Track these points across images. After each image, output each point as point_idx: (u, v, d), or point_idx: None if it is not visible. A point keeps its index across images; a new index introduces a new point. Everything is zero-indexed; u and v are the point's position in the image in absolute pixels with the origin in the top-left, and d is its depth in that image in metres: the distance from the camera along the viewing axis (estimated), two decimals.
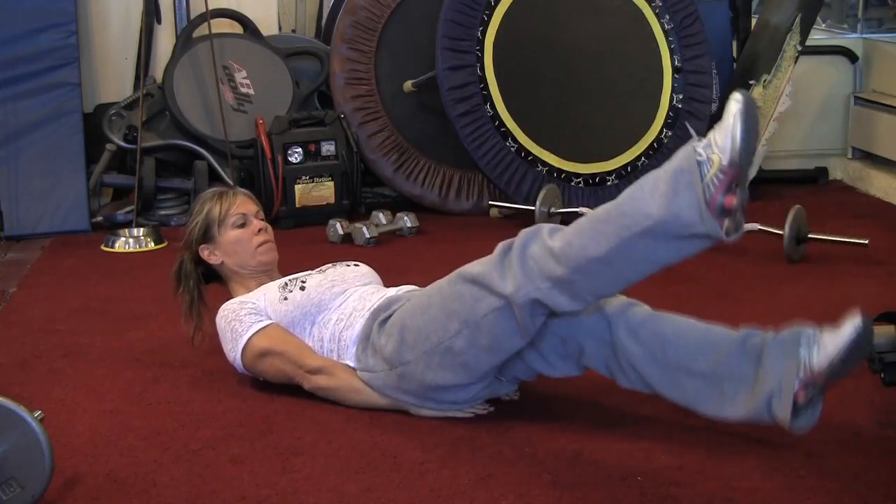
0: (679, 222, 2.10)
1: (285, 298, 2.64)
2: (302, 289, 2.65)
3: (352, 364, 2.56)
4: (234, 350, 2.65)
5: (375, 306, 2.58)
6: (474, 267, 2.38)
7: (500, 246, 2.35)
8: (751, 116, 2.09)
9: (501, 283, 2.29)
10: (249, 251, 2.79)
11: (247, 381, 2.74)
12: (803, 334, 2.22)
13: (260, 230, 2.81)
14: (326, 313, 2.63)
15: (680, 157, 2.13)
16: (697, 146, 2.11)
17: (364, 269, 2.78)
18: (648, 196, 2.13)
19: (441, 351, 2.39)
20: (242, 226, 2.80)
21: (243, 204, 2.84)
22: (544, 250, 2.25)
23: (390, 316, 2.52)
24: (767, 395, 2.24)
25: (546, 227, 2.30)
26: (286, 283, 2.69)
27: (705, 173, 2.09)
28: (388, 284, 2.76)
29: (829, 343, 2.18)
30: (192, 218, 2.85)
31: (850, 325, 2.16)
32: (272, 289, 2.70)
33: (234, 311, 2.67)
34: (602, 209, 2.22)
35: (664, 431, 2.41)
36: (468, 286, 2.36)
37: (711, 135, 2.11)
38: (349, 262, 2.80)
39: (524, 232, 2.32)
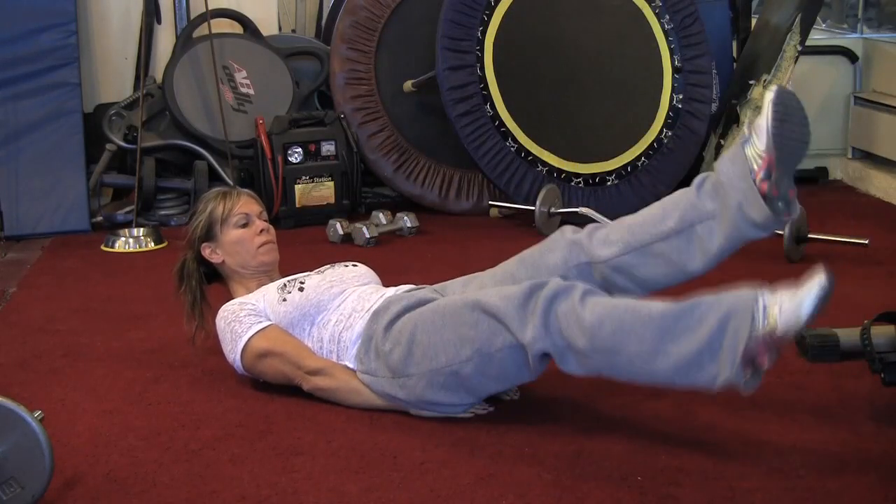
0: (710, 362, 2.13)
1: (284, 300, 2.64)
2: (300, 289, 2.65)
3: (352, 365, 2.55)
4: (233, 351, 2.65)
5: (375, 307, 2.57)
6: (494, 300, 2.36)
7: (527, 286, 2.33)
8: (829, 296, 2.09)
9: (521, 328, 2.30)
10: (251, 251, 2.79)
11: (247, 381, 2.74)
12: (743, 139, 2.25)
13: (262, 230, 2.80)
14: (325, 314, 2.63)
15: (742, 297, 2.12)
16: (762, 300, 2.10)
17: (362, 269, 2.78)
18: (696, 322, 2.14)
19: (448, 373, 2.40)
20: (245, 226, 2.80)
21: (246, 204, 2.83)
22: (573, 315, 2.25)
23: (395, 318, 2.51)
24: (736, 207, 2.29)
25: (579, 289, 2.29)
26: (285, 285, 2.69)
27: (756, 328, 2.09)
28: (388, 284, 2.76)
29: (761, 125, 2.23)
30: (196, 216, 2.84)
31: (770, 97, 2.21)
32: (271, 290, 2.70)
33: (233, 312, 2.67)
34: (650, 307, 2.20)
35: (664, 431, 2.41)
36: (487, 318, 2.36)
37: (783, 295, 2.10)
38: (348, 263, 2.79)
39: (556, 284, 2.31)
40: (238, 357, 2.64)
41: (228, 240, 2.79)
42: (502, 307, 2.33)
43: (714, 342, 2.13)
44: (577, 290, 2.29)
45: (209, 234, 2.81)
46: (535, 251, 2.55)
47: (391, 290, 2.65)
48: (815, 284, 2.08)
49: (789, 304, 2.08)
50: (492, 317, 2.34)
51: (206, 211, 2.82)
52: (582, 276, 2.43)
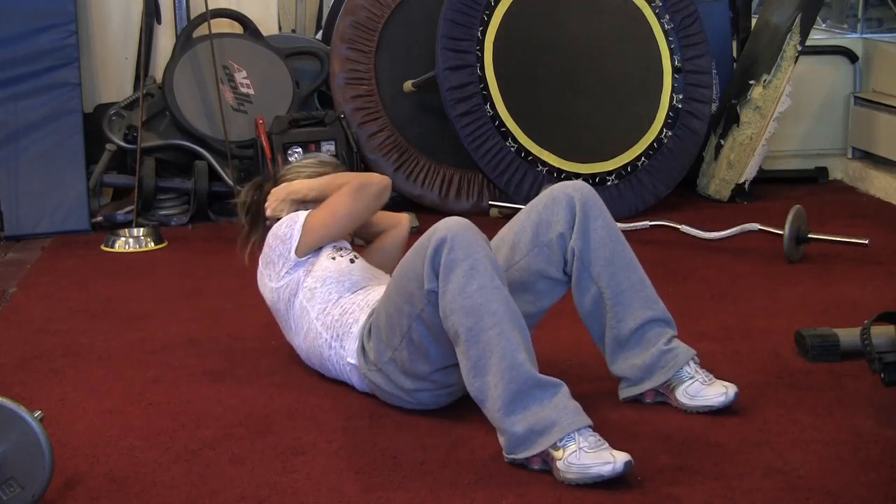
0: (527, 443, 2.24)
1: (333, 258, 2.71)
2: (352, 261, 2.72)
3: (352, 361, 2.58)
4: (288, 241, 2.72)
5: (373, 303, 2.60)
6: (409, 257, 2.45)
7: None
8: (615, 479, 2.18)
9: (426, 278, 2.36)
10: None
11: (247, 381, 2.74)
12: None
13: None
14: (349, 297, 2.65)
15: (572, 422, 2.22)
16: (576, 434, 2.20)
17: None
18: (538, 406, 2.24)
19: (407, 347, 2.44)
20: None
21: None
22: (457, 280, 2.30)
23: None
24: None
25: (476, 256, 2.32)
26: (340, 248, 2.76)
27: (553, 447, 2.20)
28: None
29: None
30: (243, 194, 2.95)
31: None
32: (326, 248, 2.75)
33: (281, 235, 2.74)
34: (517, 356, 2.25)
35: (664, 431, 2.41)
36: (408, 280, 2.41)
37: (592, 442, 2.20)
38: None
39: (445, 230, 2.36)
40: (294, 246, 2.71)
41: None
42: (411, 260, 2.40)
43: (535, 433, 2.22)
44: (473, 253, 2.31)
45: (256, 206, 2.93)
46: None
47: None
48: (619, 464, 2.16)
49: (587, 457, 2.18)
50: (410, 280, 2.39)
51: (253, 187, 2.95)
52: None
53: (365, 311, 2.60)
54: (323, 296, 2.66)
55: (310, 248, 2.70)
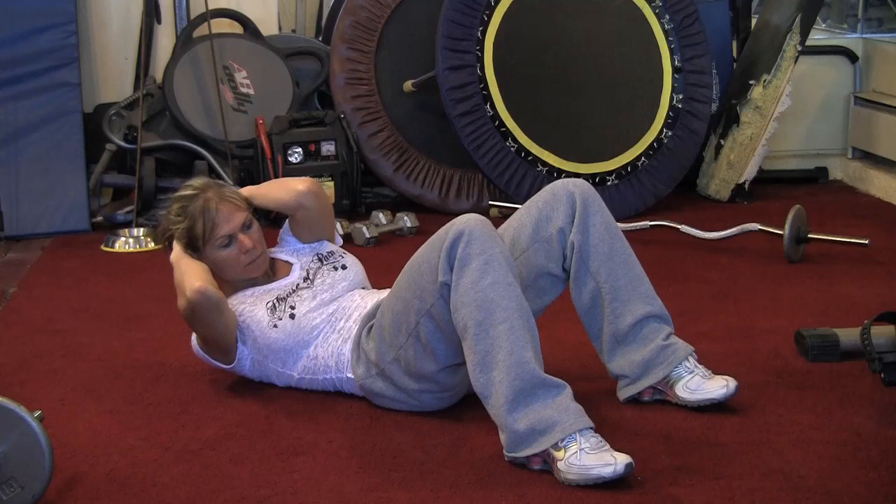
0: (528, 441, 2.24)
1: (275, 326, 2.59)
2: (292, 317, 2.60)
3: (351, 375, 2.58)
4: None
5: (366, 311, 2.60)
6: (421, 252, 2.44)
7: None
8: (615, 481, 2.17)
9: (441, 271, 2.36)
10: (237, 269, 2.66)
11: (247, 381, 2.74)
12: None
13: (247, 250, 2.63)
14: (322, 335, 2.61)
15: (574, 422, 2.22)
16: (577, 435, 2.20)
17: (351, 272, 2.72)
18: (541, 405, 2.24)
19: (413, 345, 2.43)
20: (228, 245, 2.63)
21: (228, 220, 2.61)
22: (471, 274, 2.30)
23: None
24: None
25: (490, 253, 2.32)
26: (274, 306, 2.61)
27: (554, 447, 2.20)
28: (387, 286, 2.75)
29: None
30: (172, 220, 2.66)
31: None
32: (259, 309, 2.62)
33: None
34: (524, 354, 2.26)
35: (664, 431, 2.41)
36: (418, 276, 2.41)
37: (593, 443, 2.19)
38: (337, 262, 2.73)
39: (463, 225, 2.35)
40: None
41: (212, 258, 2.64)
42: (426, 254, 2.39)
43: (536, 432, 2.22)
44: (488, 249, 2.31)
45: (191, 245, 2.64)
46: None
47: (385, 293, 2.64)
48: (620, 466, 2.16)
49: (588, 458, 2.17)
50: (422, 273, 2.39)
51: (184, 225, 2.63)
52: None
53: (355, 323, 2.59)
54: (294, 361, 2.62)
55: (229, 349, 2.63)
